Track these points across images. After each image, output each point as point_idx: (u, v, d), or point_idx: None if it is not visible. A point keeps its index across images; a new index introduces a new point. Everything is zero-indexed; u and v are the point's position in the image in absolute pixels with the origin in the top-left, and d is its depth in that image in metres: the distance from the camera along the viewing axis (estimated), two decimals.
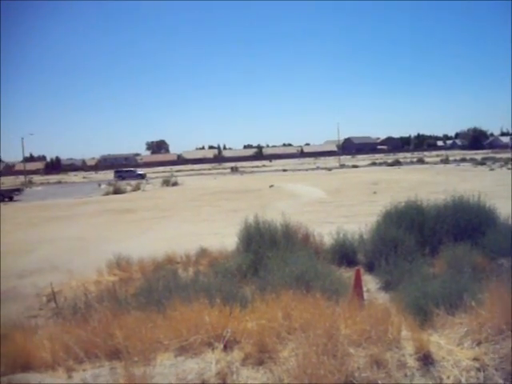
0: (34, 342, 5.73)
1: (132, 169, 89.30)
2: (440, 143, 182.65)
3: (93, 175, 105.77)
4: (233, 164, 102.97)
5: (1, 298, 10.76)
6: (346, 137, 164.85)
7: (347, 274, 10.79)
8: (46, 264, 14.31)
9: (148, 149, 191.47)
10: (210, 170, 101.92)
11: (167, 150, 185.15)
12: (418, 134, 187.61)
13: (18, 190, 54.75)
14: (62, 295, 10.58)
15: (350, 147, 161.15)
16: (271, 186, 41.68)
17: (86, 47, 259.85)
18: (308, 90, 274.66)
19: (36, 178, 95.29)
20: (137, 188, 51.30)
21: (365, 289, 9.48)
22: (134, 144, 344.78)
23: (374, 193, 30.64)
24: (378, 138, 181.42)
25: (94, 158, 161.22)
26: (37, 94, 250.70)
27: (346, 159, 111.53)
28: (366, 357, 4.61)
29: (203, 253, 13.33)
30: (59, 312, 9.26)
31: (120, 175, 79.89)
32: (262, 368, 4.61)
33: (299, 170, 79.58)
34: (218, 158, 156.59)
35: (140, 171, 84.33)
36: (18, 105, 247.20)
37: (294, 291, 6.47)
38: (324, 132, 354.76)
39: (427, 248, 11.83)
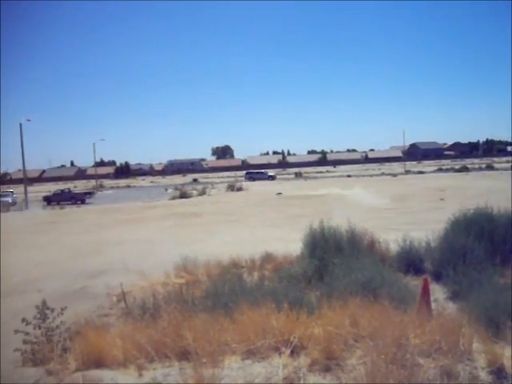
0: (106, 340, 5.91)
1: (262, 170, 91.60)
2: (511, 149, 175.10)
3: (160, 180, 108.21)
4: (297, 169, 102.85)
5: (73, 297, 11.18)
6: (412, 142, 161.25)
7: (414, 282, 10.53)
8: (115, 265, 14.76)
9: (213, 154, 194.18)
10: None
11: (232, 156, 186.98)
12: (487, 139, 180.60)
13: (90, 193, 57.08)
14: (132, 296, 10.83)
15: (416, 153, 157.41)
16: (335, 191, 41.33)
17: (154, 54, 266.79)
18: (373, 95, 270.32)
19: (106, 182, 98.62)
20: (202, 193, 52.17)
21: (432, 298, 9.23)
22: (199, 149, 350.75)
23: (441, 199, 29.81)
24: (445, 144, 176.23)
25: (161, 163, 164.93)
26: (109, 102, 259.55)
27: (412, 165, 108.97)
28: (436, 368, 4.50)
29: (268, 257, 13.38)
30: (128, 312, 9.48)
31: (250, 176, 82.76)
32: (329, 375, 4.59)
33: (363, 175, 78.51)
34: (282, 163, 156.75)
35: (270, 173, 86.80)
36: (90, 112, 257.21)
37: (360, 298, 6.39)
38: (389, 137, 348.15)
39: (498, 257, 11.36)
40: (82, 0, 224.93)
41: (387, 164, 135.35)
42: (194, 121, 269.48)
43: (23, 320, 6.63)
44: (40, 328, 6.68)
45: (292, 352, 4.98)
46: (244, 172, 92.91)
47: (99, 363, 5.43)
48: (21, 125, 55.64)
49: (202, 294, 9.92)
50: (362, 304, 6.08)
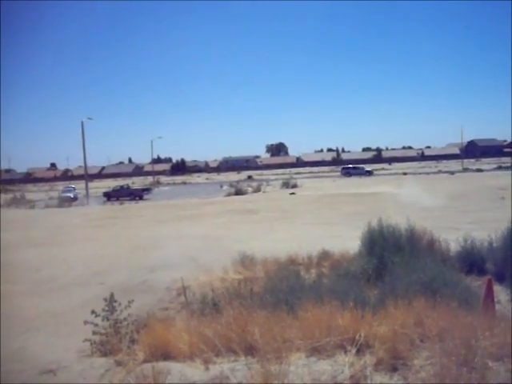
0: (172, 333, 6.05)
1: (359, 166, 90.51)
2: None
3: (215, 176, 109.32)
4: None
5: (135, 290, 11.47)
6: (470, 139, 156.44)
7: (476, 283, 10.29)
8: (174, 260, 15.03)
9: (268, 151, 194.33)
10: (328, 172, 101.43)
11: (286, 153, 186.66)
12: None
13: (148, 190, 58.48)
14: (191, 290, 11.03)
15: (474, 150, 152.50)
16: (390, 189, 40.68)
17: (212, 52, 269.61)
18: (430, 92, 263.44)
19: (163, 179, 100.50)
20: (257, 190, 52.42)
21: (495, 300, 8.98)
22: (254, 146, 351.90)
23: (502, 198, 28.82)
24: (505, 141, 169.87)
25: (216, 160, 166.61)
26: (166, 101, 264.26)
27: (470, 163, 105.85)
28: (508, 372, 4.38)
29: (325, 255, 13.33)
30: (188, 306, 9.67)
31: (347, 171, 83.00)
32: (396, 375, 4.54)
33: (419, 173, 76.87)
34: (337, 160, 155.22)
35: (367, 168, 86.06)
36: (148, 111, 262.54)
37: (424, 298, 6.30)
38: (446, 134, 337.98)
39: None
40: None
41: (444, 161, 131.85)
42: (248, 118, 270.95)
43: (92, 312, 6.89)
44: (108, 320, 6.92)
45: (358, 350, 4.96)
46: (297, 169, 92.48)
47: (166, 355, 5.58)
48: (82, 123, 57.58)
49: (261, 290, 9.99)
50: (427, 304, 5.99)
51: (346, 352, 4.95)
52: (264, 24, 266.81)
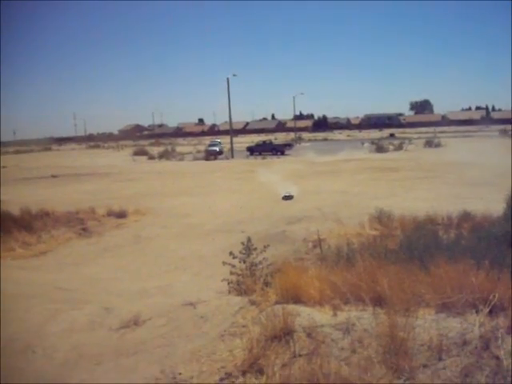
0: (304, 279, 6.27)
1: None
2: None
3: (356, 134, 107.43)
4: (502, 126, 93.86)
5: (273, 240, 11.90)
6: None
7: None
8: (312, 213, 15.32)
9: (411, 109, 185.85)
10: (475, 132, 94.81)
11: (431, 111, 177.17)
12: None
13: (289, 145, 59.22)
14: (326, 243, 11.22)
15: None
16: None
17: (356, 7, 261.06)
18: None
19: (304, 135, 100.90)
20: (399, 148, 50.89)
21: None
22: (397, 103, 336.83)
23: None
24: None
25: (357, 117, 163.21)
26: (308, 56, 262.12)
27: None
28: None
29: (465, 216, 12.74)
30: (323, 258, 9.85)
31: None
32: None
33: None
34: (486, 119, 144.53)
35: None
36: (291, 67, 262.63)
37: None
38: None
39: None
40: None
41: None
42: (392, 74, 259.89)
43: (230, 253, 7.36)
44: (245, 262, 7.35)
45: (490, 311, 4.80)
46: (442, 127, 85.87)
47: (297, 299, 5.81)
48: (228, 79, 59.20)
49: (396, 247, 9.88)
50: None
51: (477, 311, 4.81)
52: None
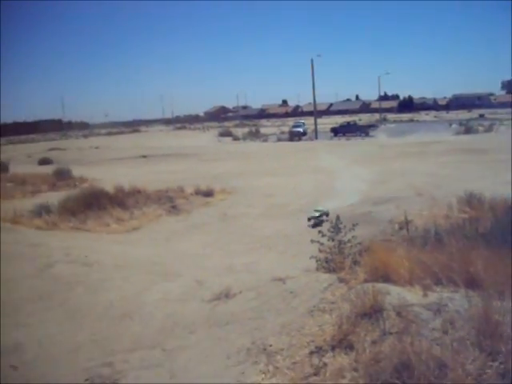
0: (393, 259, 6.24)
1: None
2: None
3: (444, 115, 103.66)
4: None
5: (359, 220, 11.83)
6: None
7: None
8: (398, 194, 15.05)
9: (503, 88, 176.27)
10: None
11: None
12: None
13: (374, 127, 58.13)
14: (413, 225, 11.01)
15: None
16: None
17: None
18: None
19: (389, 116, 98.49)
20: (489, 129, 48.52)
21: None
22: (487, 83, 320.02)
23: None
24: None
25: (445, 98, 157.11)
26: (392, 35, 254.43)
27: None
28: None
29: None
30: (410, 239, 9.70)
31: None
32: None
33: None
34: None
35: None
36: (376, 46, 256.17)
37: None
38: None
39: None
40: None
41: None
42: (482, 51, 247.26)
43: (319, 232, 7.45)
44: (333, 240, 7.40)
45: None
46: None
47: (386, 278, 5.82)
48: (312, 60, 58.74)
49: (486, 230, 9.55)
50: None
51: None
52: None
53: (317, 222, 10.63)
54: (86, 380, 4.95)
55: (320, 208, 10.85)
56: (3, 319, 6.45)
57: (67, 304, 6.96)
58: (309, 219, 11.08)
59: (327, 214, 10.82)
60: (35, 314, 6.67)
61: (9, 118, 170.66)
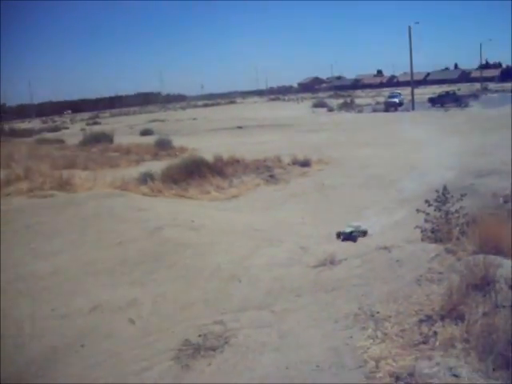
0: (504, 232, 6.04)
1: None
2: None
3: None
4: None
5: (462, 192, 11.50)
6: None
7: None
8: (502, 167, 14.38)
9: None
10: None
11: None
12: None
13: (474, 96, 55.31)
14: None
15: None
16: None
17: None
18: None
19: (491, 86, 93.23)
20: None
21: None
22: None
23: None
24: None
25: None
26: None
27: None
28: None
29: None
30: None
31: None
32: None
33: None
34: None
35: None
36: (478, 12, 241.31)
37: None
38: None
39: None
40: None
41: None
42: None
43: (426, 201, 7.35)
44: (440, 210, 7.28)
45: None
46: None
47: (497, 251, 5.67)
48: (410, 28, 56.43)
49: None
50: None
51: None
52: None
53: (347, 238, 8.53)
54: (199, 336, 5.23)
55: (355, 223, 9.24)
56: (119, 277, 6.97)
57: (178, 265, 7.34)
58: (338, 235, 8.76)
59: (364, 233, 9.36)
60: (148, 274, 7.11)
61: (112, 91, 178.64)
